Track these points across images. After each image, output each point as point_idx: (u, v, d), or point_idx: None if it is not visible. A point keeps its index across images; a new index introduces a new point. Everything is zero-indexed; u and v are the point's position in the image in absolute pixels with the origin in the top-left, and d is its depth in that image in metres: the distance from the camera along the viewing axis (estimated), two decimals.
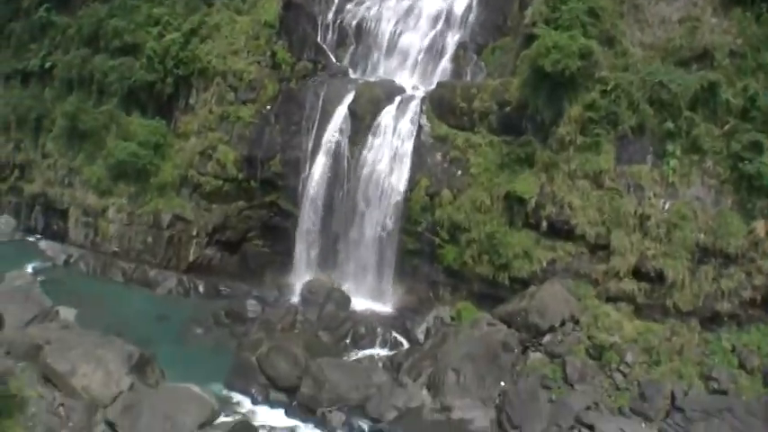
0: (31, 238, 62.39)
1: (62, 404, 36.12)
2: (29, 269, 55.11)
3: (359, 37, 55.05)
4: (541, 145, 45.57)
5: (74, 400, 36.58)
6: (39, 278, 52.04)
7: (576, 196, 44.47)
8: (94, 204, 57.75)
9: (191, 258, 55.44)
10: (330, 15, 56.13)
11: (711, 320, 42.15)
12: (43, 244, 60.60)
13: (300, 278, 52.69)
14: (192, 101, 56.77)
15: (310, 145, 52.21)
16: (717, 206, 42.44)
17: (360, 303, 50.68)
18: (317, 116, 52.27)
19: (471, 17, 52.70)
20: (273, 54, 54.86)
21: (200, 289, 54.44)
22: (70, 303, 47.97)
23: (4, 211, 64.95)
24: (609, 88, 43.83)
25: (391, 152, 49.85)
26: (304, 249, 53.13)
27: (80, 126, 58.28)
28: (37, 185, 62.52)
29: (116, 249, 56.80)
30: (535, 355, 42.40)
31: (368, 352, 46.79)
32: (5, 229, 62.50)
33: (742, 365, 40.15)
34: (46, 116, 62.81)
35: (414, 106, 50.21)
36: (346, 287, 51.39)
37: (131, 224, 56.31)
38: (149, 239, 55.74)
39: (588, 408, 38.82)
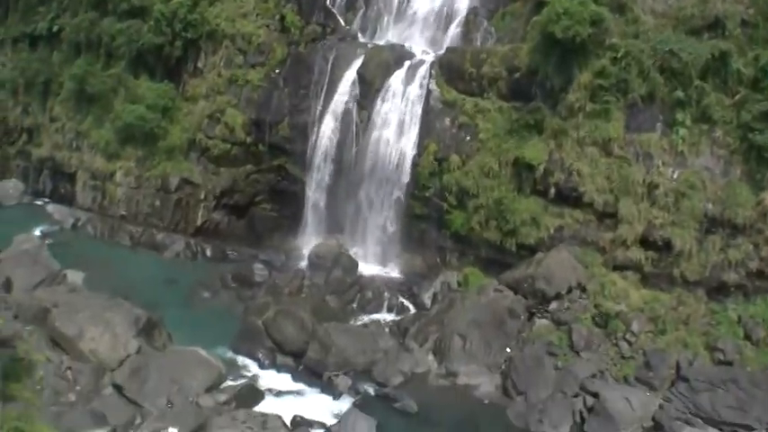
0: (38, 202, 62.30)
1: (69, 367, 36.55)
2: (37, 233, 55.13)
3: (368, 1, 54.66)
4: (551, 111, 45.52)
5: (81, 364, 37.03)
6: (46, 242, 51.87)
7: (585, 163, 44.45)
8: (102, 168, 57.80)
9: (198, 222, 55.60)
10: None
11: (718, 291, 42.21)
12: (51, 207, 60.56)
13: (308, 243, 52.88)
14: (200, 64, 56.62)
15: (319, 109, 52.19)
16: (726, 176, 42.40)
17: (367, 268, 50.82)
18: (326, 80, 52.16)
19: None
20: (282, 17, 54.54)
21: (208, 253, 54.65)
22: (78, 267, 48.20)
23: (13, 174, 64.83)
24: (619, 56, 43.66)
25: (400, 117, 49.83)
26: (312, 214, 53.38)
27: (88, 89, 58.17)
28: (45, 149, 62.47)
29: (124, 213, 56.91)
30: (541, 322, 42.66)
31: (375, 317, 46.98)
32: (13, 192, 62.45)
33: (748, 337, 40.25)
34: (54, 80, 62.63)
35: (423, 71, 50.06)
36: (354, 252, 51.51)
37: (139, 188, 56.41)
38: (157, 203, 55.87)
39: (593, 376, 39.16)
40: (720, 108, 42.45)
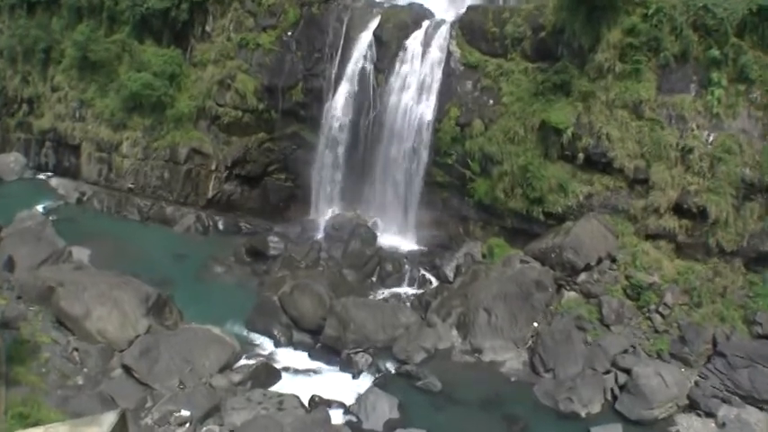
0: (41, 176, 62.45)
1: (76, 349, 36.80)
2: (40, 208, 55.31)
3: None
4: (578, 72, 45.16)
5: (89, 345, 37.28)
6: (50, 218, 52.22)
7: (615, 127, 44.17)
8: (108, 139, 57.86)
9: (209, 194, 55.68)
10: None
11: (756, 261, 41.79)
12: (54, 182, 60.83)
13: (324, 213, 53.08)
14: (208, 28, 56.38)
15: (334, 73, 51.98)
16: (764, 139, 41.80)
17: (386, 239, 50.89)
18: (341, 42, 51.91)
19: None
20: None
21: (220, 226, 54.92)
22: (84, 243, 48.62)
23: (13, 148, 64.68)
24: (650, 12, 43.12)
25: (419, 80, 49.60)
26: (327, 183, 53.43)
27: (91, 57, 57.96)
28: (47, 120, 62.44)
29: (131, 186, 57.07)
30: (570, 295, 42.65)
31: (395, 290, 47.08)
32: (15, 167, 62.40)
33: None
34: (54, 47, 62.35)
35: (443, 32, 49.78)
36: (372, 222, 51.67)
37: (147, 159, 56.50)
38: (166, 175, 55.98)
39: (625, 351, 39.13)
40: (758, 67, 41.74)
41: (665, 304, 40.51)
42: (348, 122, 51.75)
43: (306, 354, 41.64)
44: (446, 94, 49.01)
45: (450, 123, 48.62)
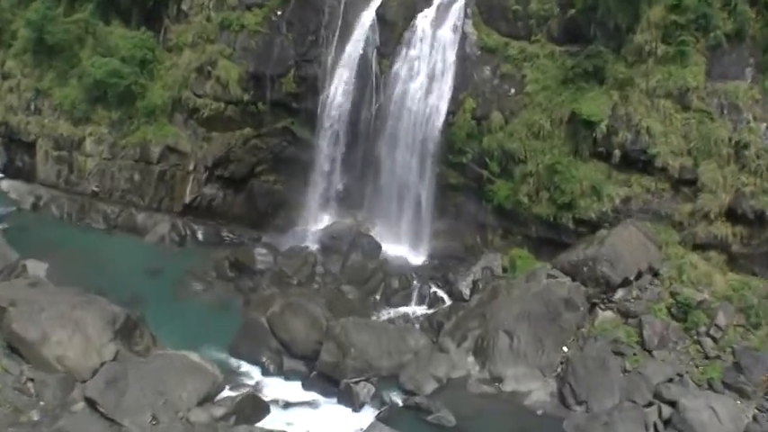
0: None
1: (31, 379, 36.53)
2: None
3: None
4: (613, 56, 45.20)
5: (46, 374, 36.94)
6: (1, 226, 52.25)
7: (657, 119, 44.17)
8: (68, 135, 57.26)
9: (187, 199, 55.43)
10: None
11: None
12: (5, 185, 60.10)
13: (320, 221, 53.04)
14: (184, 6, 56.15)
15: (330, 59, 51.87)
16: None
17: (392, 251, 50.89)
18: (339, 23, 51.79)
19: None
20: None
21: (199, 235, 54.84)
22: (40, 256, 48.25)
23: None
24: None
25: (429, 67, 49.60)
26: (324, 186, 53.41)
27: (48, 39, 57.29)
28: None
29: (95, 189, 56.69)
30: (605, 315, 42.54)
31: (402, 310, 47.14)
32: None
33: None
34: (5, 28, 61.87)
35: (456, 10, 49.69)
36: (375, 231, 51.77)
37: (114, 158, 56.14)
38: (136, 176, 55.74)
39: (670, 380, 38.91)
40: None
41: (716, 326, 40.30)
42: (347, 116, 51.67)
43: (299, 383, 41.53)
44: (460, 82, 48.96)
45: (464, 116, 48.58)
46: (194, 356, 39.68)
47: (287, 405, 39.82)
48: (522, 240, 48.31)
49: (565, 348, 41.45)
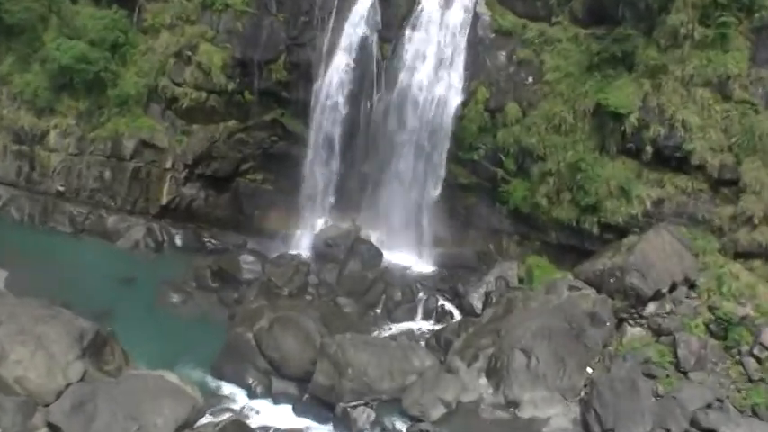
0: None
1: None
2: None
3: None
4: (644, 40, 45.22)
5: (3, 397, 36.54)
6: None
7: (693, 111, 44.12)
8: (30, 127, 56.95)
9: (164, 200, 55.45)
10: None
11: None
12: None
13: (313, 225, 53.31)
14: None
15: (326, 42, 51.83)
16: None
17: (394, 259, 51.20)
18: (335, 2, 51.73)
19: None
20: None
21: (177, 241, 54.90)
22: None
23: None
24: None
25: (437, 52, 49.61)
26: (318, 186, 53.57)
27: (6, 19, 56.94)
28: None
29: (61, 188, 56.59)
30: (634, 332, 42.34)
31: (405, 326, 47.27)
32: None
33: None
34: None
35: None
36: (376, 237, 51.97)
37: (82, 154, 56.07)
38: (107, 174, 55.69)
39: (708, 405, 38.50)
40: None
41: (761, 344, 39.99)
42: (344, 107, 51.76)
43: (289, 408, 41.56)
44: (472, 69, 49.05)
45: (477, 108, 48.65)
46: (172, 377, 39.45)
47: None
48: (541, 247, 48.46)
49: (589, 369, 41.15)
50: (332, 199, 53.60)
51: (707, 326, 41.31)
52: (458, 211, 50.37)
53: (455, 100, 49.18)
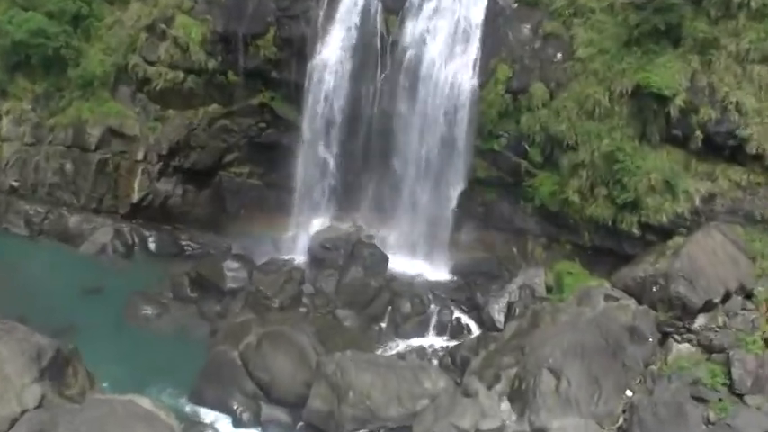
0: None
1: None
2: None
3: None
4: (692, 10, 45.03)
5: None
6: None
7: (749, 92, 44.07)
8: None
9: (135, 197, 55.51)
10: None
11: None
12: None
13: (308, 226, 53.45)
14: None
15: (322, 14, 51.90)
16: None
17: (402, 265, 51.37)
18: None
19: None
20: None
21: (151, 244, 54.97)
22: None
23: None
24: None
25: (451, 24, 49.42)
26: (313, 180, 53.69)
27: None
28: None
29: (14, 184, 56.81)
30: (681, 348, 41.98)
31: (416, 342, 47.21)
32: None
33: None
34: None
35: None
36: (381, 239, 52.04)
37: (39, 143, 56.35)
38: (68, 167, 55.89)
39: None
40: None
41: None
42: (344, 89, 51.75)
43: None
44: (491, 45, 48.95)
45: (497, 90, 48.61)
46: (144, 402, 39.15)
47: None
48: (572, 251, 48.53)
49: (629, 392, 40.85)
50: (330, 195, 53.71)
51: (766, 342, 41.06)
52: (476, 210, 50.48)
53: (471, 81, 48.96)
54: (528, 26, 48.69)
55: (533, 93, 47.70)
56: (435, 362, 44.97)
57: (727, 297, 42.13)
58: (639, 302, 43.17)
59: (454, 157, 49.90)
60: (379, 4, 50.54)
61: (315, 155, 53.11)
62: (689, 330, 42.01)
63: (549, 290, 47.39)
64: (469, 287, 49.40)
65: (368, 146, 51.58)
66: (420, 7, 49.73)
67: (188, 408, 42.55)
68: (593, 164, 46.33)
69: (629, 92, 45.75)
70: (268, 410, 42.34)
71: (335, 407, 40.94)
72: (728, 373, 40.07)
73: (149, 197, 55.59)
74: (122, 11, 55.73)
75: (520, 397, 40.87)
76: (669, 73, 44.75)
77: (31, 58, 55.25)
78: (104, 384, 41.68)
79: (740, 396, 39.60)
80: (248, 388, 43.00)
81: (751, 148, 43.72)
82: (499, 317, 47.11)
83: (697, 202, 44.79)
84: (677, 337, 42.16)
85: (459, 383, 42.49)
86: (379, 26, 50.54)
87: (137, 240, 54.72)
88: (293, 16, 52.19)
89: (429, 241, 51.42)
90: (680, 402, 39.37)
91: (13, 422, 36.69)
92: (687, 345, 41.88)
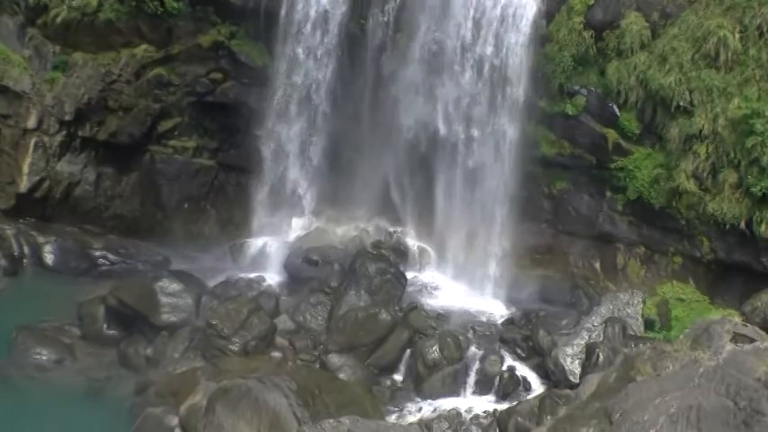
0: None
1: None
2: None
3: None
4: None
5: None
6: None
7: None
8: None
9: (24, 184, 53.90)
10: None
11: None
12: None
13: (284, 228, 52.26)
14: None
15: None
16: None
17: (428, 287, 50.05)
18: None
19: None
20: None
21: (47, 256, 53.16)
22: None
23: None
24: None
25: None
26: (291, 161, 52.15)
27: None
28: None
29: None
30: None
31: (447, 404, 44.80)
32: None
33: None
34: None
35: None
36: (393, 248, 50.84)
37: None
38: None
39: None
40: None
41: None
42: (336, 23, 50.31)
43: None
44: None
45: (570, 24, 47.39)
46: None
47: None
48: (685, 267, 47.14)
49: None
50: (315, 182, 52.38)
51: None
52: (538, 204, 49.31)
53: (532, 9, 47.27)
54: None
55: (627, 28, 46.34)
56: None
57: None
58: None
59: (505, 124, 48.38)
60: None
61: (294, 122, 51.58)
62: None
63: (648, 325, 45.62)
64: (529, 321, 47.70)
65: (374, 104, 50.27)
66: None
67: None
68: (716, 135, 44.88)
69: None
70: None
71: None
72: None
73: (45, 184, 54.11)
74: None
75: None
76: None
77: None
78: None
79: None
80: None
81: None
82: (573, 366, 45.19)
83: None
84: None
85: None
86: None
87: (26, 250, 53.06)
88: None
89: (467, 251, 50.00)
90: None
91: None
92: None
